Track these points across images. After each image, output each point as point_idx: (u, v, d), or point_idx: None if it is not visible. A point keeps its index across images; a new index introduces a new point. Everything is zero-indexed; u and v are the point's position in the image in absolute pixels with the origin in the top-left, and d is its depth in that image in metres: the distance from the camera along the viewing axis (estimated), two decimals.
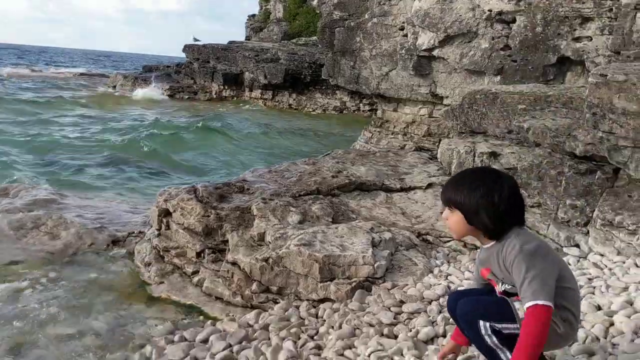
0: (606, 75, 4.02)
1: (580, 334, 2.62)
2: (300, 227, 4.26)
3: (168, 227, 4.71)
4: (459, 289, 2.40)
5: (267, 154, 12.59)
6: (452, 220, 2.16)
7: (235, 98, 24.25)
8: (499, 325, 2.08)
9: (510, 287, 2.11)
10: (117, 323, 3.66)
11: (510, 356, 2.06)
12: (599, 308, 2.91)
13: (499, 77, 7.96)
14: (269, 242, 4.11)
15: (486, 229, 2.10)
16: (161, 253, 4.58)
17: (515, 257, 2.00)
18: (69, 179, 8.57)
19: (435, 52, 8.72)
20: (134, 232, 5.34)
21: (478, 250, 2.26)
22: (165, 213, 4.74)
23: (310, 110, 22.14)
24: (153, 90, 25.24)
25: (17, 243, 5.03)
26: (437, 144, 9.22)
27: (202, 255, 4.40)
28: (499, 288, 2.16)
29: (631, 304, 2.85)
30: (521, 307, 2.01)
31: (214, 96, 24.75)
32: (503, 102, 5.28)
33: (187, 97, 24.84)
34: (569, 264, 3.90)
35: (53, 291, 4.19)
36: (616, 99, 3.95)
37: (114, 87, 27.89)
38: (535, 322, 1.91)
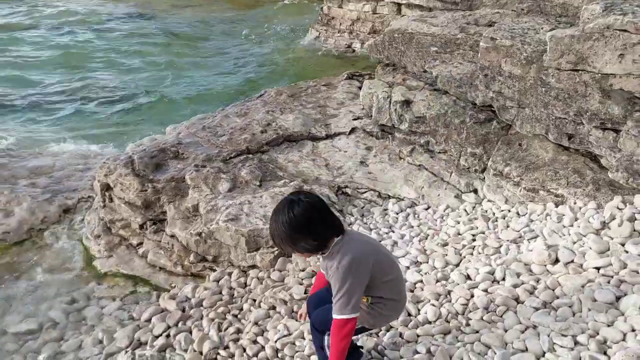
0: (495, 40, 4.29)
1: (443, 310, 3.14)
2: (230, 195, 4.69)
3: (111, 199, 5.10)
4: (317, 292, 2.87)
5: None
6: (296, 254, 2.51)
7: None
8: None
9: None
10: (72, 308, 4.10)
11: None
12: (468, 278, 3.43)
13: None
14: (202, 214, 4.56)
15: (308, 251, 2.41)
16: (108, 225, 5.01)
17: (334, 273, 2.37)
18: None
19: None
20: (84, 198, 5.67)
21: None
22: (107, 187, 5.10)
23: None
24: None
25: None
26: None
27: (145, 226, 4.85)
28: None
29: (492, 273, 3.36)
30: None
31: None
32: (418, 42, 5.51)
33: None
34: (466, 212, 4.43)
35: (9, 282, 4.43)
36: (503, 63, 4.26)
37: None
38: (338, 333, 2.36)
